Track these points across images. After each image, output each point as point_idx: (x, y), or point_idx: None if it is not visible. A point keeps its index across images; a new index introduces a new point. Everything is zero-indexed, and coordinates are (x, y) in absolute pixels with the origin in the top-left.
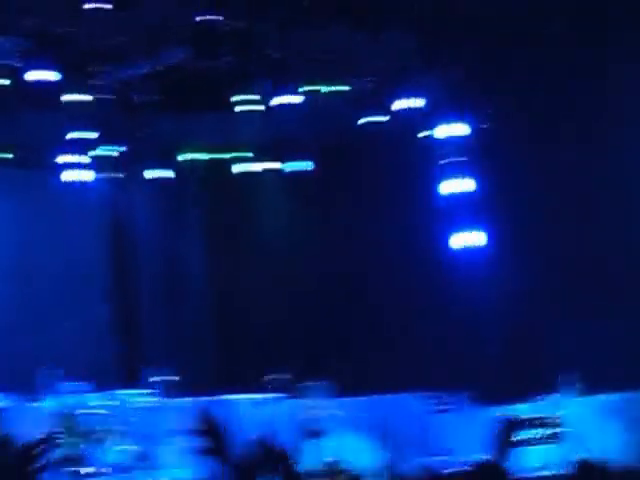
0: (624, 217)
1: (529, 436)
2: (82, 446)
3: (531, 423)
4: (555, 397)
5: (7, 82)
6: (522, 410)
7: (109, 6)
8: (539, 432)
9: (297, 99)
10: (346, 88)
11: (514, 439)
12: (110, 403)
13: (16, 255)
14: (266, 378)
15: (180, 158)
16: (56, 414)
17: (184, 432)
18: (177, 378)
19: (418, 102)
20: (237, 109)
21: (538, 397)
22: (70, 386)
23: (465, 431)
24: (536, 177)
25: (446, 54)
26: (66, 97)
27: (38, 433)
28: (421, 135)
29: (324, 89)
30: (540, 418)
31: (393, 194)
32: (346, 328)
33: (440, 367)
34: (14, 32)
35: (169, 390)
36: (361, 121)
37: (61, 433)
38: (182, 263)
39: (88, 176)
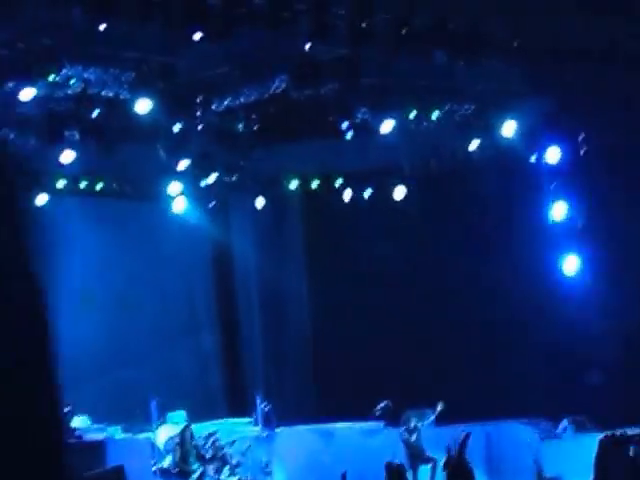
0: None
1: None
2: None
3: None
4: None
5: (110, 113)
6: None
7: (210, 36)
8: None
9: (399, 125)
10: (447, 114)
11: (625, 455)
12: (215, 432)
13: (122, 286)
14: (373, 406)
15: (281, 187)
16: (165, 444)
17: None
18: (277, 406)
19: (520, 127)
20: (339, 137)
21: None
22: (176, 416)
23: (574, 457)
24: (634, 203)
25: (546, 80)
26: (168, 128)
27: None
28: (523, 161)
29: (426, 115)
30: None
31: (497, 220)
32: (448, 355)
33: (546, 393)
34: (115, 64)
35: (271, 419)
36: (467, 146)
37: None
38: (283, 292)
39: (191, 206)
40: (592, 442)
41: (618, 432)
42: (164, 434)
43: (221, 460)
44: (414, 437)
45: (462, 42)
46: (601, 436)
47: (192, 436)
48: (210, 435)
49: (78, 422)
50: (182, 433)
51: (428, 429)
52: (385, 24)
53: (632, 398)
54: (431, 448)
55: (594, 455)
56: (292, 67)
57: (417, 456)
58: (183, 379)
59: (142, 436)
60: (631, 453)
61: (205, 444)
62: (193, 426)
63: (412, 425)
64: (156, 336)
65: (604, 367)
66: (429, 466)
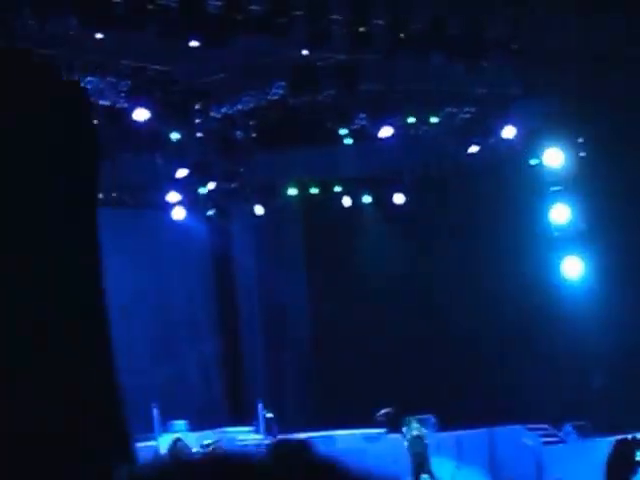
0: None
1: None
2: None
3: None
4: None
5: (107, 122)
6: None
7: (207, 44)
8: None
9: (398, 131)
10: (446, 118)
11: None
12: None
13: (122, 294)
14: (374, 413)
15: (280, 194)
16: (167, 453)
17: None
18: (279, 414)
19: (520, 130)
20: (338, 143)
21: None
22: (178, 425)
23: (577, 462)
24: (635, 206)
25: (545, 82)
26: (166, 136)
27: None
28: (523, 164)
29: (425, 120)
30: None
31: (498, 223)
32: (451, 360)
33: (547, 398)
34: (113, 73)
35: (272, 427)
36: (467, 150)
37: None
38: (283, 300)
39: (190, 214)
40: (595, 447)
41: (630, 436)
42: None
43: None
44: (417, 443)
45: (460, 46)
46: (614, 440)
47: (185, 447)
48: (210, 444)
49: None
50: (171, 447)
51: (430, 435)
52: (382, 29)
53: (635, 403)
54: (434, 454)
55: (602, 460)
56: (290, 74)
57: (421, 463)
58: (185, 387)
59: (145, 444)
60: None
61: (205, 453)
62: (195, 435)
63: (415, 434)
64: (157, 345)
65: (607, 372)
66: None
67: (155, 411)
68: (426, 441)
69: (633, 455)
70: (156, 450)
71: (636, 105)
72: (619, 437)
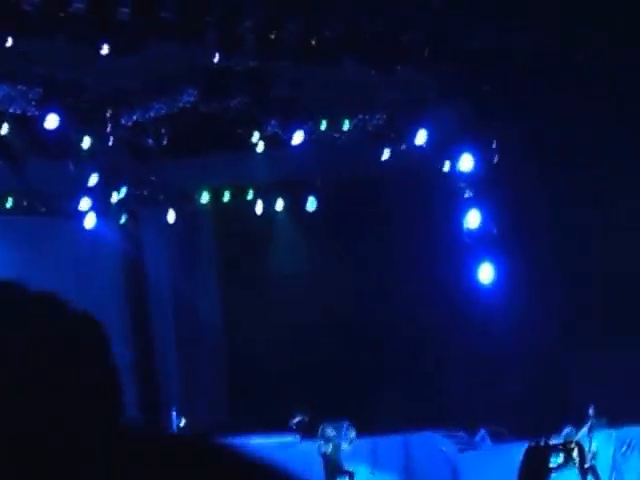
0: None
1: (560, 462)
2: None
3: (563, 447)
4: (581, 432)
5: (17, 130)
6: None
7: (118, 50)
8: (570, 457)
9: (311, 137)
10: (359, 124)
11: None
12: None
13: None
14: (288, 420)
15: (193, 200)
16: None
17: None
18: (192, 422)
19: (433, 136)
20: (250, 150)
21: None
22: None
23: (493, 468)
24: (548, 211)
25: (459, 87)
26: (78, 143)
27: None
28: (436, 169)
29: (337, 126)
30: (570, 441)
31: (412, 229)
32: (366, 367)
33: (462, 404)
34: (23, 80)
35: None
36: (380, 156)
37: None
38: (196, 306)
39: (102, 222)
40: (511, 452)
41: (542, 442)
42: None
43: None
44: (333, 450)
45: (373, 51)
46: (527, 446)
47: None
48: None
49: None
50: None
51: (344, 441)
52: (294, 35)
53: (549, 408)
54: (348, 461)
55: (517, 465)
56: (201, 80)
57: (334, 469)
58: None
59: None
60: (552, 464)
61: None
62: None
63: (329, 436)
64: None
65: (521, 377)
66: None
67: None
68: (341, 448)
69: (546, 461)
70: None
71: (551, 109)
72: (532, 443)
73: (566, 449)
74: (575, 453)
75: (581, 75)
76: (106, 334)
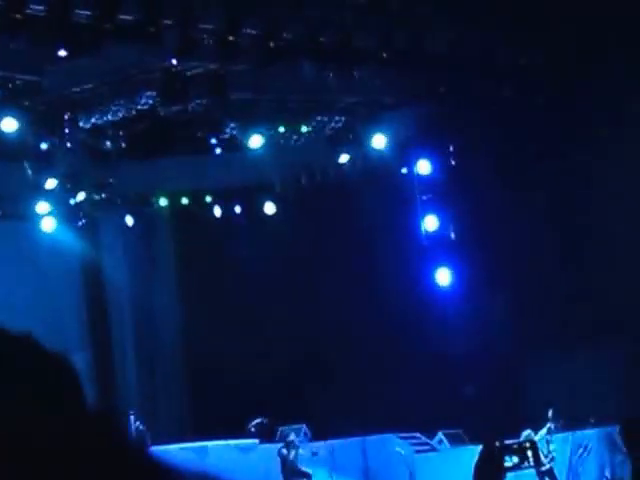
0: (597, 249)
1: (515, 462)
2: None
3: (517, 447)
4: (539, 434)
5: None
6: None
7: (76, 53)
8: (526, 457)
9: (268, 140)
10: (317, 128)
11: (502, 465)
12: None
13: None
14: (247, 423)
15: (151, 204)
16: None
17: None
18: (151, 426)
19: (391, 140)
20: (209, 153)
21: (522, 432)
22: None
23: (449, 470)
24: (506, 212)
25: (417, 90)
26: (36, 146)
27: None
28: (394, 173)
29: (295, 129)
30: (525, 442)
31: (370, 233)
32: (322, 370)
33: (419, 406)
34: None
35: (144, 438)
36: (338, 159)
37: None
38: (155, 309)
39: (60, 225)
40: (467, 455)
41: (497, 442)
42: None
43: None
44: (292, 453)
45: (331, 54)
46: (480, 447)
47: None
48: None
49: None
50: None
51: (303, 444)
52: (253, 38)
53: (505, 411)
54: (305, 463)
55: (472, 466)
56: (159, 83)
57: (292, 471)
58: None
59: None
60: (507, 464)
61: None
62: None
63: (290, 439)
64: None
65: (478, 380)
66: None
67: None
68: (299, 451)
69: (501, 460)
70: None
71: (505, 112)
72: (486, 442)
73: (521, 449)
74: (530, 453)
75: (535, 78)
76: (77, 376)
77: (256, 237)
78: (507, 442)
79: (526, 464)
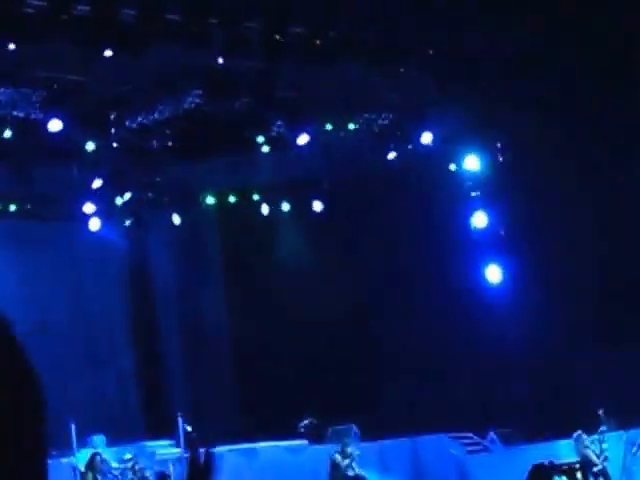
0: None
1: None
2: None
3: (567, 468)
4: (592, 436)
5: (21, 134)
6: (557, 450)
7: (123, 53)
8: (574, 478)
9: (315, 138)
10: (364, 125)
11: None
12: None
13: (39, 309)
14: (297, 424)
15: (198, 202)
16: (85, 468)
17: None
18: (199, 427)
19: (438, 136)
20: (255, 151)
21: (573, 435)
22: (97, 440)
23: (501, 470)
24: (557, 209)
25: (463, 88)
26: (81, 146)
27: None
28: (442, 169)
29: (342, 126)
30: (575, 463)
31: (419, 230)
32: (372, 370)
33: (469, 405)
34: (26, 83)
35: (193, 440)
36: (385, 156)
37: None
38: (202, 309)
39: (107, 225)
40: (520, 454)
41: (547, 461)
42: (86, 457)
43: None
44: (346, 462)
45: (377, 52)
46: (531, 465)
47: (104, 461)
48: (130, 459)
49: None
50: (89, 462)
51: (353, 444)
52: (299, 36)
53: (557, 409)
54: (357, 464)
55: (526, 467)
56: (206, 82)
57: (342, 473)
58: (103, 402)
59: (64, 460)
60: None
61: (125, 468)
62: (113, 449)
63: (348, 450)
64: (75, 359)
65: (529, 378)
66: None
67: (73, 426)
68: (349, 451)
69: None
70: (74, 466)
71: (555, 107)
72: (536, 463)
73: (570, 470)
74: (579, 475)
75: (585, 71)
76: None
77: (303, 235)
78: (556, 462)
79: None
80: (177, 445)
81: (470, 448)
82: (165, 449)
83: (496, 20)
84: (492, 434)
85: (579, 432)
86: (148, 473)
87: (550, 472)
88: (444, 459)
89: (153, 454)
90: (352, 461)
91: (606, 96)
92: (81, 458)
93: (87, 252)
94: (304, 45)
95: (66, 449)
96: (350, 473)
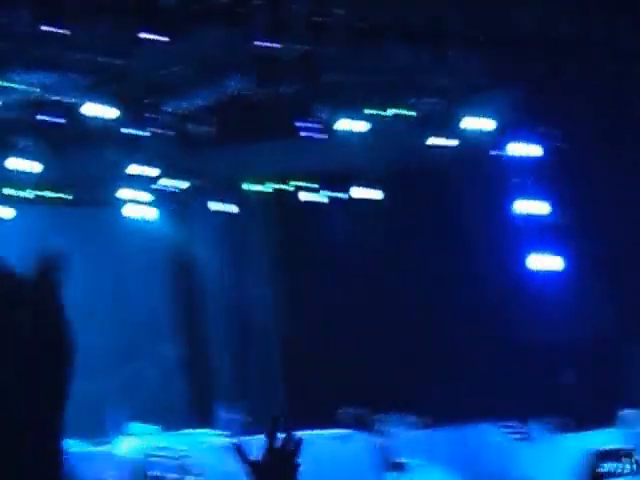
0: None
1: (616, 469)
2: None
3: (618, 454)
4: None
5: (64, 119)
6: (606, 439)
7: (165, 37)
8: (627, 464)
9: (362, 124)
10: (412, 111)
11: (601, 471)
12: (180, 445)
13: (82, 296)
14: (343, 412)
15: (242, 189)
16: (127, 457)
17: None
18: (247, 416)
19: (488, 122)
20: (300, 137)
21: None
22: (141, 428)
23: (547, 461)
24: (609, 197)
25: (512, 72)
26: (124, 132)
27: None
28: (494, 156)
29: (389, 112)
30: (627, 449)
31: (470, 217)
32: (420, 358)
33: (516, 394)
34: (64, 67)
35: (238, 429)
36: (429, 143)
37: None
38: (248, 297)
39: (150, 212)
40: (567, 443)
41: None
42: (126, 446)
43: (183, 471)
44: (385, 442)
45: (423, 35)
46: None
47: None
48: (169, 447)
49: None
50: (136, 451)
51: (399, 433)
52: (344, 19)
53: (605, 399)
54: (403, 453)
55: (574, 457)
56: (250, 66)
57: (389, 462)
58: (147, 390)
59: (102, 449)
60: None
61: (165, 456)
62: (157, 437)
63: (386, 430)
64: (117, 347)
65: (576, 367)
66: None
67: (114, 415)
68: (396, 441)
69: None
70: (112, 454)
71: (610, 92)
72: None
73: (622, 453)
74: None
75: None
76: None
77: (347, 222)
78: (604, 448)
79: (623, 471)
80: (222, 434)
81: (517, 437)
82: (210, 437)
83: (545, 2)
84: (539, 423)
85: (626, 411)
86: (189, 461)
87: (608, 456)
88: (490, 447)
89: (196, 442)
90: (396, 450)
91: None
92: (121, 446)
93: (128, 239)
94: (349, 28)
95: (106, 437)
96: (395, 461)
